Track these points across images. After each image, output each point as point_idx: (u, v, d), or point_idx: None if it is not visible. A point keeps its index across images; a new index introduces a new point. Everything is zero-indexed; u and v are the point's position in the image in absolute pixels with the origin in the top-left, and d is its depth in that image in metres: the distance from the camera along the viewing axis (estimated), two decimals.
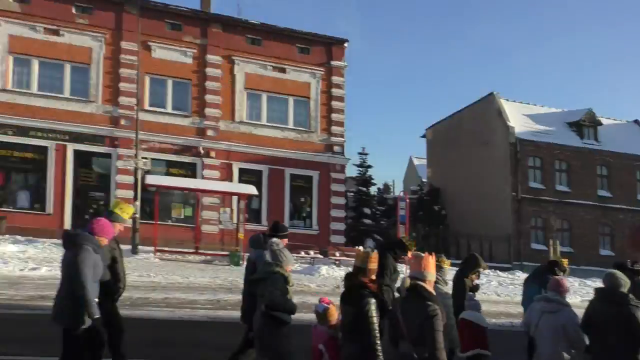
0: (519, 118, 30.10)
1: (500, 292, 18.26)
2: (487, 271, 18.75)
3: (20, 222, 20.90)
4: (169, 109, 23.97)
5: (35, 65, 22.38)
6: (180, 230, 22.60)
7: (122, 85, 23.02)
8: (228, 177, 24.30)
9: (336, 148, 26.29)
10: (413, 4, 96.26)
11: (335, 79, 26.49)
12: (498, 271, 23.74)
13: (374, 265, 4.69)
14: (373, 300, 4.41)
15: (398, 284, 6.55)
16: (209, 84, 24.40)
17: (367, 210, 32.77)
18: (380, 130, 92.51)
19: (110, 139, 22.87)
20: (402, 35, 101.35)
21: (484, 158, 30.14)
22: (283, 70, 25.68)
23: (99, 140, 22.75)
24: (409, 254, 6.56)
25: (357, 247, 22.07)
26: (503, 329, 11.40)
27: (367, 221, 32.21)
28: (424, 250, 5.81)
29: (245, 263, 18.87)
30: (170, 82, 24.04)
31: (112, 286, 5.89)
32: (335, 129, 26.30)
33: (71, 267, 5.15)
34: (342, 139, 26.51)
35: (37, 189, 22.20)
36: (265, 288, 5.32)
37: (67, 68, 22.69)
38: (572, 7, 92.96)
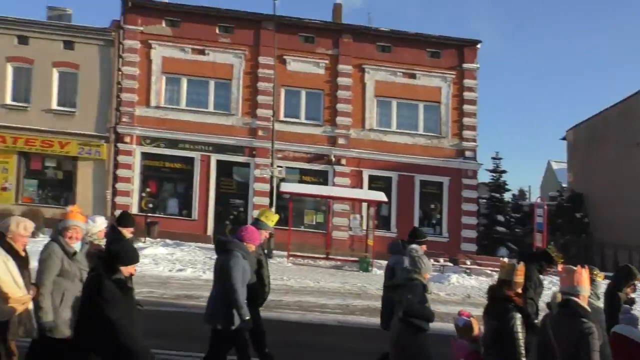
0: None
1: None
2: None
3: (169, 227, 22.93)
4: (303, 119, 24.91)
5: (184, 83, 24.47)
6: (312, 236, 23.36)
7: (260, 98, 24.36)
8: (358, 184, 24.65)
9: (468, 153, 25.54)
10: None
11: (467, 81, 25.78)
12: None
13: (520, 278, 4.51)
14: (519, 315, 4.26)
15: (545, 298, 6.22)
16: (340, 93, 24.98)
17: (500, 218, 31.34)
18: (516, 134, 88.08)
19: (249, 149, 24.29)
20: (539, 31, 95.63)
21: (634, 160, 27.49)
22: (413, 76, 25.53)
23: (239, 151, 24.27)
24: (559, 267, 6.19)
25: (500, 257, 21.23)
26: None
27: (501, 229, 30.78)
28: (565, 260, 5.48)
29: (373, 269, 19.23)
30: (303, 93, 24.99)
31: (258, 290, 6.25)
32: (467, 133, 25.57)
33: (223, 272, 5.58)
34: (475, 144, 25.69)
35: (184, 197, 24.19)
36: (403, 295, 5.34)
37: (212, 84, 24.51)
38: None
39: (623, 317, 6.07)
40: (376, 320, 10.67)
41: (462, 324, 4.97)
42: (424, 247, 6.39)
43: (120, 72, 23.79)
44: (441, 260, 21.34)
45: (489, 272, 20.40)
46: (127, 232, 6.37)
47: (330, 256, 21.45)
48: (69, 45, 23.50)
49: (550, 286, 14.69)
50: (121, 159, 23.55)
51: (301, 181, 24.18)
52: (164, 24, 24.44)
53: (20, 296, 4.98)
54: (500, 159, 32.85)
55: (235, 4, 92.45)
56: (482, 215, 30.62)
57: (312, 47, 25.09)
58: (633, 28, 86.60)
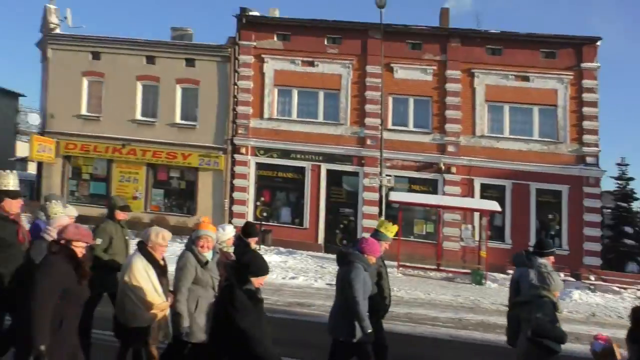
0: None
1: None
2: None
3: (282, 236, 23.68)
4: (411, 127, 24.64)
5: (295, 94, 25.20)
6: (422, 246, 22.96)
7: (368, 107, 24.47)
8: (469, 193, 23.90)
9: (589, 159, 23.82)
10: None
11: (587, 82, 24.12)
12: None
13: None
14: None
15: None
16: (449, 100, 24.44)
17: (628, 229, 28.95)
18: None
19: (357, 158, 24.46)
20: None
21: None
22: (526, 79, 24.36)
23: (348, 160, 24.52)
24: None
25: (629, 272, 19.64)
26: None
27: (629, 241, 28.40)
28: None
29: (487, 282, 18.50)
30: (411, 101, 24.74)
31: (379, 302, 6.28)
32: (587, 137, 23.89)
33: (344, 284, 5.67)
34: (597, 149, 23.92)
35: (296, 206, 24.84)
36: (530, 312, 5.11)
37: (321, 95, 25.02)
38: None
39: None
40: (490, 335, 10.35)
41: (600, 350, 4.65)
42: (552, 258, 6.08)
43: (236, 86, 25.05)
44: (562, 274, 19.97)
45: (616, 289, 18.91)
46: (253, 242, 6.68)
47: (441, 267, 20.98)
48: (190, 62, 25.16)
49: None
50: (237, 169, 24.75)
51: (410, 190, 23.89)
52: (275, 38, 25.38)
53: (159, 303, 5.41)
54: (626, 165, 30.53)
55: (343, 15, 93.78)
56: (607, 227, 28.52)
57: (419, 54, 24.80)
58: None
